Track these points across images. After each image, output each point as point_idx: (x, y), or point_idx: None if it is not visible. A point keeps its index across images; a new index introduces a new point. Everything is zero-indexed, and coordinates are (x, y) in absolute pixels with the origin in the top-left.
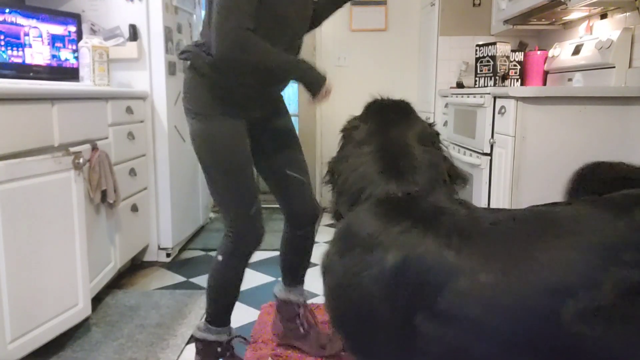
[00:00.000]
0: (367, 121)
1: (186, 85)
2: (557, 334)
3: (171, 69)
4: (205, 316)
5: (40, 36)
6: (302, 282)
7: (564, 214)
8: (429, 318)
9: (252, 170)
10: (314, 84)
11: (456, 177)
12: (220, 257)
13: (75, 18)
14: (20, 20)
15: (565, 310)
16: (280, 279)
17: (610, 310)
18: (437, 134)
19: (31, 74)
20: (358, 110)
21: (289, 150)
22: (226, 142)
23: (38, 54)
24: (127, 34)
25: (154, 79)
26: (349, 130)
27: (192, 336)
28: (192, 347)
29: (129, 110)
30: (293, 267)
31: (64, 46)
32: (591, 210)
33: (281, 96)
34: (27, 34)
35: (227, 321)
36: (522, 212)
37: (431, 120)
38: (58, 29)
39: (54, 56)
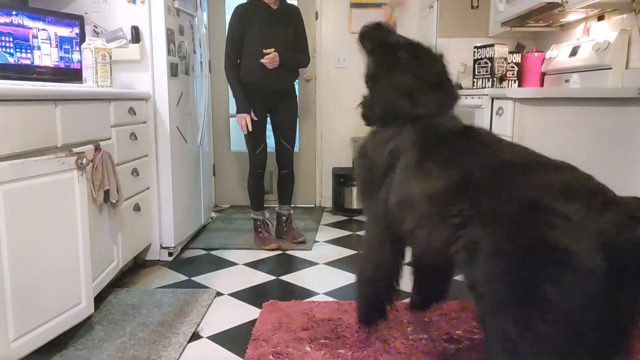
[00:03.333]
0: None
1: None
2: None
3: (173, 71)
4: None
5: (49, 38)
6: (287, 202)
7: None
8: (393, 174)
9: (260, 132)
10: (238, 109)
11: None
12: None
13: (78, 20)
14: (27, 22)
15: (435, 192)
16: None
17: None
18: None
19: (34, 75)
20: (357, 111)
21: (284, 128)
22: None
23: (46, 55)
24: (129, 36)
25: (156, 80)
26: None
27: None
28: (193, 345)
29: (131, 111)
30: (281, 193)
31: (72, 48)
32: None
33: (283, 96)
34: (35, 36)
35: (260, 208)
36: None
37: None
38: (65, 31)
39: (62, 58)
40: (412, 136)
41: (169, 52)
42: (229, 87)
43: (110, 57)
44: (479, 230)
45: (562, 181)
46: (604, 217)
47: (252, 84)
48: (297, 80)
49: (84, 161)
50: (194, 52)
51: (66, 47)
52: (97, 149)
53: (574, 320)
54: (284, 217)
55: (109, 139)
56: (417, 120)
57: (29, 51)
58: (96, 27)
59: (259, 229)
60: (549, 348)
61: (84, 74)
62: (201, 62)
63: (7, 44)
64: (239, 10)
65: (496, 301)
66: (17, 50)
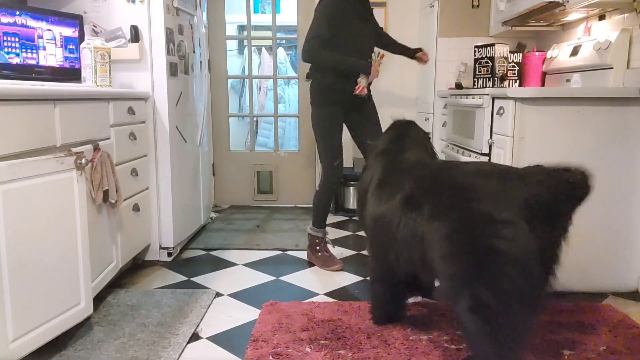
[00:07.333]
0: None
1: (310, 87)
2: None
3: (172, 70)
4: (312, 222)
5: (54, 38)
6: None
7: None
8: (369, 195)
9: (338, 139)
10: (361, 68)
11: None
12: (318, 188)
13: (77, 19)
14: (31, 22)
15: (399, 208)
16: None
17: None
18: (428, 133)
19: (33, 75)
20: None
21: (368, 128)
22: (323, 121)
23: (51, 55)
24: (128, 35)
25: (155, 80)
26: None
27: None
28: (193, 346)
29: (130, 110)
30: None
31: (76, 48)
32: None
33: (364, 97)
34: (40, 37)
35: (322, 225)
36: (433, 163)
37: (429, 123)
38: (68, 31)
39: (66, 58)
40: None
41: (168, 51)
42: (325, 64)
43: (110, 56)
44: (428, 226)
45: (477, 169)
46: (517, 186)
47: (334, 84)
48: None
49: (83, 161)
50: (194, 52)
51: (71, 47)
52: (96, 148)
53: (522, 261)
54: None
55: (108, 138)
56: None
57: (34, 51)
58: (95, 27)
59: (318, 247)
60: (513, 292)
61: (83, 74)
62: (200, 62)
63: (13, 44)
64: None
65: (459, 271)
66: (23, 50)
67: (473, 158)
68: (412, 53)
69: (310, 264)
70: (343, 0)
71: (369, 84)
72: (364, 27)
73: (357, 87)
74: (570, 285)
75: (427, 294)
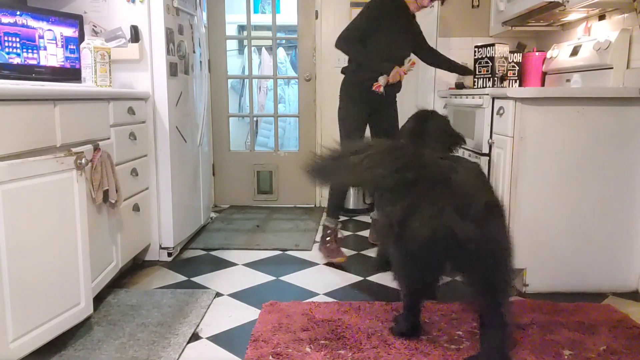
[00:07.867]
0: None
1: (341, 82)
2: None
3: (172, 70)
4: (325, 211)
5: (55, 39)
6: None
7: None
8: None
9: (356, 134)
10: (382, 68)
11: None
12: None
13: (77, 19)
14: (32, 22)
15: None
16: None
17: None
18: (446, 117)
19: (33, 75)
20: None
21: (389, 130)
22: (344, 115)
23: (52, 55)
24: (128, 35)
25: (155, 80)
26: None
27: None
28: (193, 346)
29: (130, 111)
30: None
31: (77, 48)
32: None
33: (390, 98)
34: (41, 37)
35: (336, 216)
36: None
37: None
38: (69, 31)
39: (67, 58)
40: None
41: (168, 51)
42: (352, 55)
43: (110, 56)
44: None
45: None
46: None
47: (362, 82)
48: None
49: (83, 161)
50: (194, 52)
51: (71, 47)
52: (96, 148)
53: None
54: None
55: (108, 138)
56: None
57: (35, 51)
58: (95, 27)
59: (328, 238)
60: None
61: (83, 74)
62: (200, 62)
63: (14, 44)
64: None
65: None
66: (24, 50)
67: (473, 158)
68: (466, 73)
69: (313, 264)
70: (393, 8)
71: (388, 84)
72: (401, 38)
73: (375, 83)
74: (570, 285)
75: (430, 295)
